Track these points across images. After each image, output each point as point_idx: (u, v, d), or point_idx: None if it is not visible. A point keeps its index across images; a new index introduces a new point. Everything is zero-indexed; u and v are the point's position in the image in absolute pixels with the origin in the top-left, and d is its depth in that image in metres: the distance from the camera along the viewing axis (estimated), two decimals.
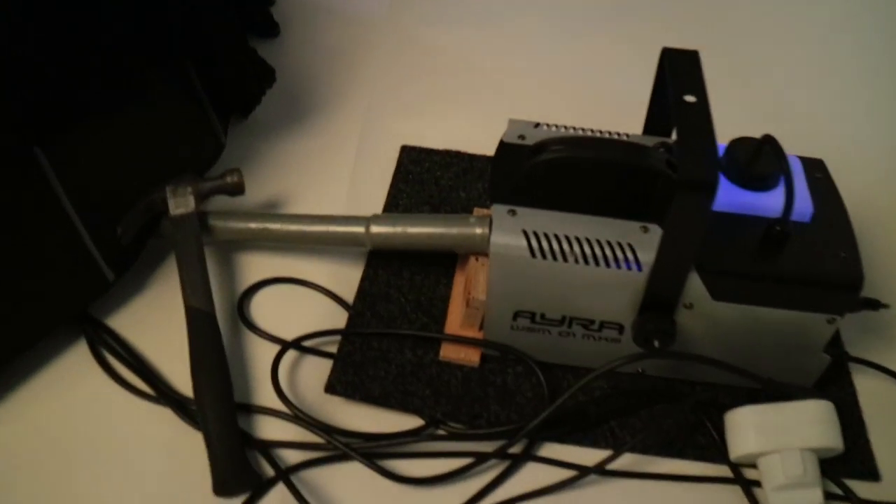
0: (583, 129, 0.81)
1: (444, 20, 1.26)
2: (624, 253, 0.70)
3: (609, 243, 0.71)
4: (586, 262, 0.71)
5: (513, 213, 0.73)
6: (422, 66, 1.18)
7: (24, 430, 0.75)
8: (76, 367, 0.80)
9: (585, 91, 1.14)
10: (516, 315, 0.77)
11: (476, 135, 1.04)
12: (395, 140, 1.06)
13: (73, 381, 0.79)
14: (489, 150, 1.02)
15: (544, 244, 0.71)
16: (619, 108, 1.07)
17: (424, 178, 1.01)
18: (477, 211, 0.90)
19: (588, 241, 0.71)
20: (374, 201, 0.97)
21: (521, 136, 0.80)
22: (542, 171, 0.74)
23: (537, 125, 0.82)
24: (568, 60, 1.19)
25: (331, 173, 1.01)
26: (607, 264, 0.71)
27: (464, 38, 1.23)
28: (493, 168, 0.78)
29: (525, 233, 0.71)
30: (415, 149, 1.04)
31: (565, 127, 0.82)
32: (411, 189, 0.99)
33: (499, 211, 0.73)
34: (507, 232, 0.71)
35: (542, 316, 0.76)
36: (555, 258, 0.71)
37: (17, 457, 0.73)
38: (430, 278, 0.89)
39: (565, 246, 0.71)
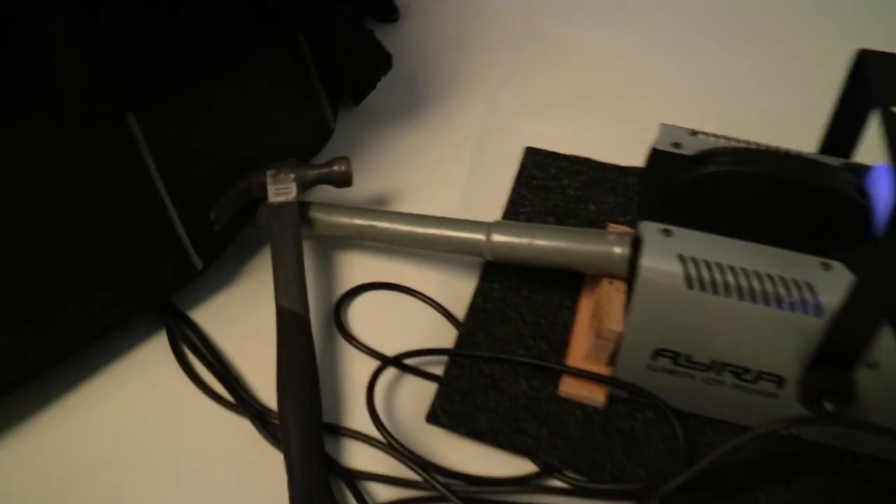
0: (746, 142, 0.69)
1: (576, 15, 1.15)
2: (801, 293, 0.58)
3: (783, 280, 0.58)
4: (753, 299, 0.58)
5: (667, 233, 0.61)
6: (551, 63, 1.07)
7: (94, 423, 0.68)
8: (153, 360, 0.73)
9: (734, 103, 1.00)
10: (657, 354, 0.65)
11: (607, 142, 0.93)
12: (519, 141, 0.95)
13: (148, 375, 0.71)
14: (621, 159, 0.91)
15: (704, 273, 0.58)
16: (775, 125, 0.94)
17: (550, 185, 0.89)
18: (612, 227, 0.78)
19: (757, 274, 0.59)
20: (493, 206, 0.87)
21: (676, 144, 0.68)
22: (705, 185, 0.62)
23: (694, 133, 0.69)
24: (715, 69, 1.06)
25: (445, 172, 0.92)
26: (779, 305, 0.58)
27: (599, 37, 1.11)
28: (643, 179, 0.66)
29: (682, 258, 0.59)
30: (540, 152, 0.93)
31: (726, 137, 0.70)
32: (534, 196, 0.88)
33: (650, 230, 0.61)
34: (660, 255, 0.59)
35: (688, 358, 0.64)
36: (715, 291, 0.58)
37: (82, 451, 0.66)
38: (551, 299, 0.78)
39: (730, 278, 0.58)
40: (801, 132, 0.90)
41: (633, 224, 0.85)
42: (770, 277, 0.59)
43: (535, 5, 1.17)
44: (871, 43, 0.64)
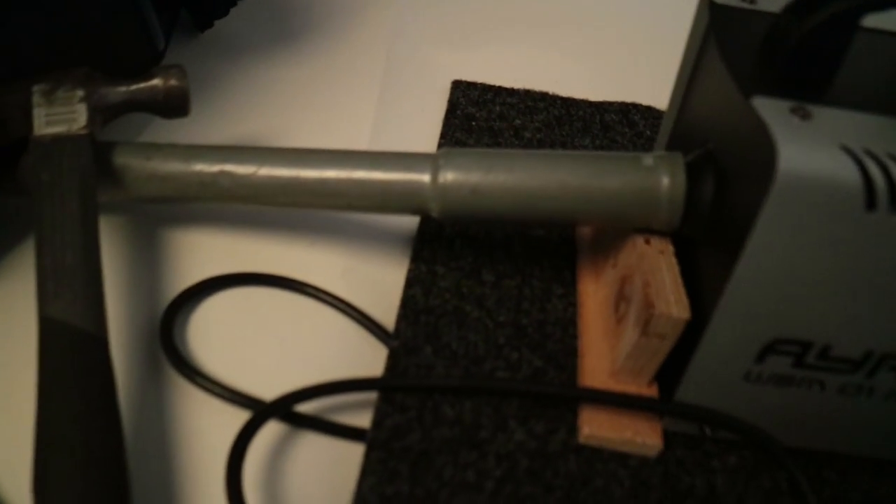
0: None
1: None
2: None
3: None
4: None
5: (803, 113, 0.32)
6: None
7: None
8: None
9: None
10: (768, 350, 0.36)
11: (563, 75, 0.66)
12: (440, 74, 0.65)
13: None
14: (587, 94, 0.64)
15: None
16: None
17: (497, 126, 0.60)
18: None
19: None
20: None
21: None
22: (837, 38, 0.34)
23: None
24: None
25: (340, 113, 0.60)
26: None
27: None
28: (721, 45, 0.37)
29: (850, 152, 0.30)
30: (475, 85, 0.64)
31: None
32: (477, 141, 0.58)
33: (771, 109, 0.32)
34: (807, 147, 0.30)
35: (825, 352, 0.35)
36: None
37: None
38: (531, 284, 0.47)
39: None
40: None
41: None
42: None
43: None
44: None
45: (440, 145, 0.57)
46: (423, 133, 0.59)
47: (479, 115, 0.61)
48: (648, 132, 0.61)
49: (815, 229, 0.31)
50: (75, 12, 0.48)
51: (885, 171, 0.29)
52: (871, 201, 0.29)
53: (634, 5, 0.77)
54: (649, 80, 0.64)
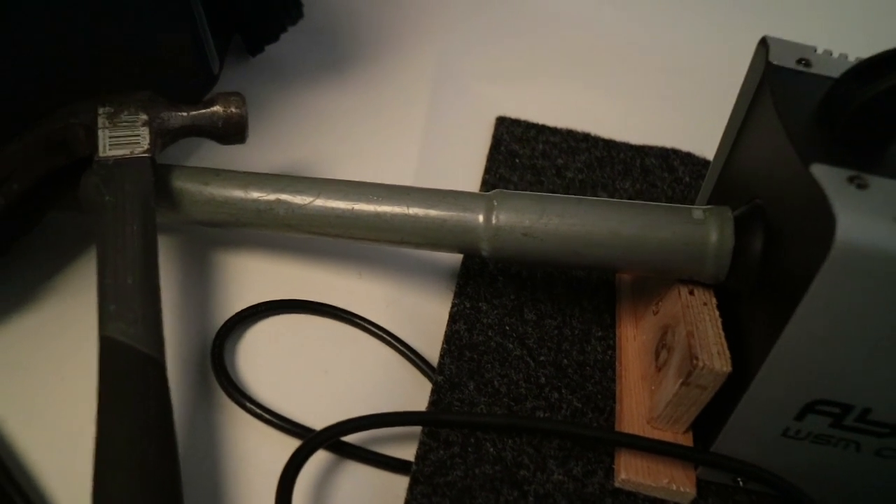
0: None
1: None
2: None
3: None
4: None
5: (860, 182, 0.32)
6: (513, 20, 0.79)
7: None
8: None
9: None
10: (808, 409, 0.36)
11: (596, 115, 0.67)
12: (485, 108, 0.66)
13: None
14: (619, 135, 0.65)
15: None
16: None
17: (539, 164, 0.61)
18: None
19: None
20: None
21: (804, 62, 0.41)
22: (892, 107, 0.35)
23: (817, 49, 0.43)
24: (713, 32, 0.81)
25: (386, 143, 0.61)
26: None
27: None
28: (778, 107, 0.38)
29: None
30: (520, 122, 0.65)
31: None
32: (520, 178, 0.59)
33: (829, 177, 0.33)
34: (864, 219, 0.31)
35: (864, 415, 0.36)
36: None
37: None
38: (571, 325, 0.48)
39: None
40: None
41: None
42: None
43: None
44: None
45: (485, 181, 0.58)
46: (468, 165, 0.60)
47: (522, 153, 0.62)
48: (687, 178, 0.62)
49: (867, 297, 0.31)
50: (138, 36, 0.50)
51: None
52: None
53: (680, 50, 0.78)
54: (690, 126, 0.65)
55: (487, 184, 0.58)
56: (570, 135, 0.64)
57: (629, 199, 0.59)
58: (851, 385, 0.35)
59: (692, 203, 0.59)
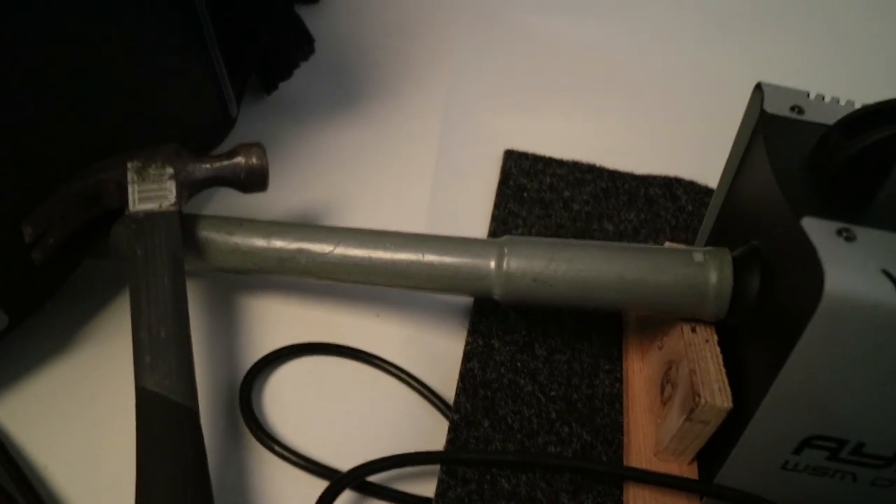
0: None
1: None
2: None
3: None
4: None
5: (848, 235, 0.35)
6: (517, 51, 0.82)
7: None
8: None
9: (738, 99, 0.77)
10: (805, 444, 0.38)
11: (602, 145, 0.69)
12: (494, 141, 0.68)
13: None
14: (625, 165, 0.67)
15: None
16: None
17: (547, 198, 0.63)
18: (672, 245, 0.52)
19: None
20: (471, 226, 0.60)
21: (797, 109, 0.43)
22: (883, 160, 0.37)
23: (810, 95, 0.45)
24: (715, 59, 0.83)
25: (398, 177, 0.64)
26: None
27: (571, 21, 0.86)
28: (771, 158, 0.40)
29: (890, 276, 0.33)
30: (527, 156, 0.67)
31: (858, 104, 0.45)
32: (528, 212, 0.61)
33: (818, 230, 0.35)
34: (851, 272, 0.33)
35: (859, 448, 0.38)
36: None
37: None
38: (580, 360, 0.50)
39: None
40: None
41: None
42: None
43: None
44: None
45: (494, 216, 0.61)
46: (479, 199, 0.62)
47: (530, 186, 0.64)
48: (690, 207, 0.64)
49: (856, 343, 0.34)
50: (164, 94, 0.52)
51: None
52: None
53: (684, 77, 0.80)
54: (694, 154, 0.67)
55: (497, 219, 0.60)
56: (576, 166, 0.67)
57: (634, 229, 0.61)
58: (846, 421, 0.37)
59: (695, 231, 0.61)
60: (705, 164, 0.63)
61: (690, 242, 0.60)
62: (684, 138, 0.72)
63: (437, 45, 0.80)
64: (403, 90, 0.74)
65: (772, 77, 0.80)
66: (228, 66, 0.61)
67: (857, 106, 0.44)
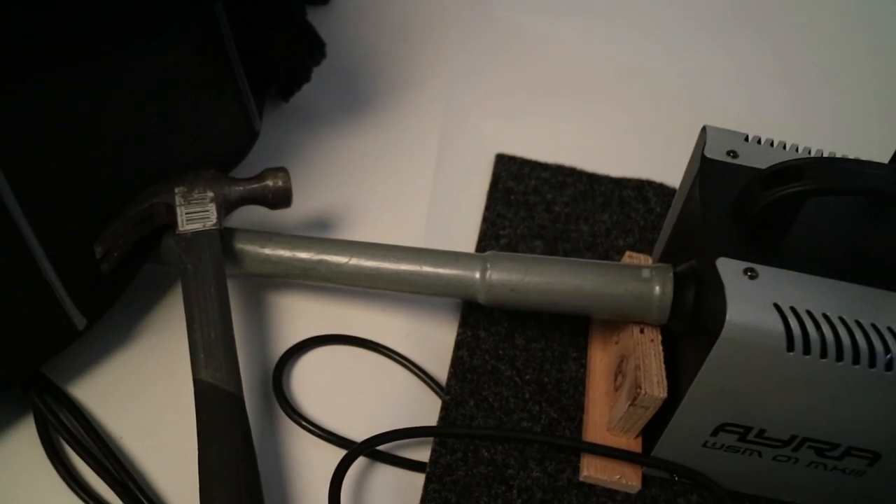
0: (811, 151, 0.54)
1: (534, 2, 0.98)
2: None
3: None
4: (871, 362, 0.43)
5: (752, 274, 0.44)
6: (513, 55, 0.90)
7: None
8: (16, 456, 0.51)
9: (734, 101, 0.86)
10: (720, 429, 0.49)
11: (589, 147, 0.78)
12: (487, 145, 0.77)
13: (8, 478, 0.50)
14: (608, 168, 0.76)
15: (811, 330, 0.43)
16: (792, 127, 0.81)
17: (532, 200, 0.72)
18: (631, 257, 0.62)
19: (874, 328, 0.43)
20: (464, 227, 0.70)
21: (732, 153, 0.53)
22: (790, 209, 0.46)
23: (748, 138, 0.54)
24: (704, 62, 0.92)
25: (400, 181, 0.73)
26: (889, 366, 0.43)
27: (563, 24, 0.95)
28: (703, 199, 0.50)
29: (779, 310, 0.43)
30: (515, 160, 0.76)
31: (785, 145, 0.55)
32: (514, 215, 0.71)
33: (729, 269, 0.45)
34: (750, 307, 0.43)
35: (761, 433, 0.48)
36: (824, 353, 0.43)
37: None
38: (552, 347, 0.61)
39: (843, 335, 0.43)
40: (825, 134, 0.78)
41: (645, 251, 0.69)
42: (890, 331, 0.43)
43: None
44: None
45: (485, 218, 0.70)
46: (473, 201, 0.71)
47: (517, 189, 0.73)
48: (658, 209, 0.73)
49: (752, 359, 0.44)
50: (201, 127, 0.61)
51: (801, 324, 0.42)
52: (790, 346, 0.42)
53: (662, 83, 0.88)
54: (669, 156, 0.73)
55: (487, 220, 0.70)
56: (558, 170, 0.76)
57: (606, 230, 0.71)
58: (750, 413, 0.47)
59: (660, 230, 0.70)
60: (679, 167, 0.71)
61: (654, 242, 0.69)
62: (659, 141, 0.80)
63: (436, 49, 0.88)
64: (406, 96, 0.82)
65: (742, 84, 0.90)
66: (251, 81, 0.69)
67: (790, 147, 0.54)
